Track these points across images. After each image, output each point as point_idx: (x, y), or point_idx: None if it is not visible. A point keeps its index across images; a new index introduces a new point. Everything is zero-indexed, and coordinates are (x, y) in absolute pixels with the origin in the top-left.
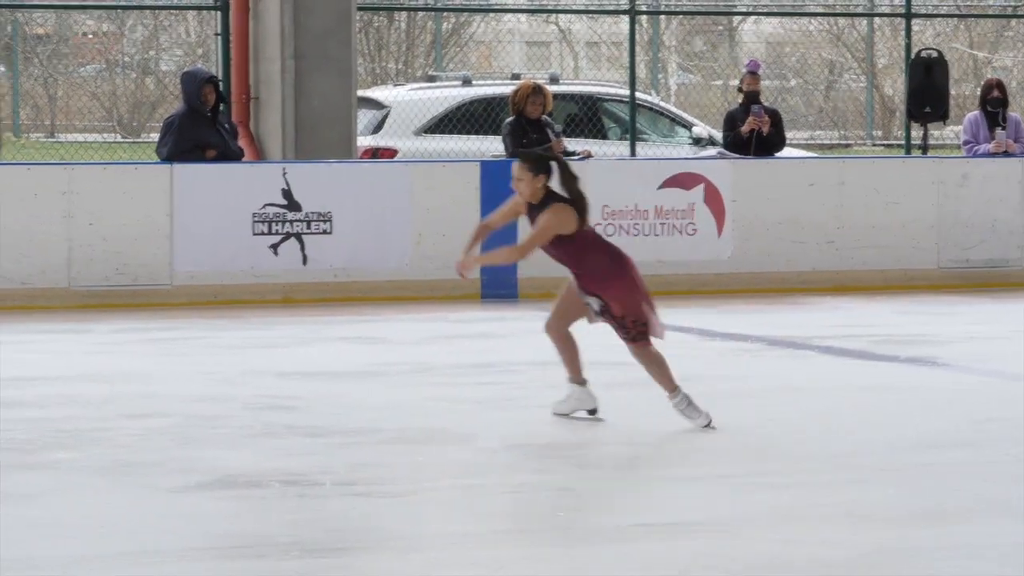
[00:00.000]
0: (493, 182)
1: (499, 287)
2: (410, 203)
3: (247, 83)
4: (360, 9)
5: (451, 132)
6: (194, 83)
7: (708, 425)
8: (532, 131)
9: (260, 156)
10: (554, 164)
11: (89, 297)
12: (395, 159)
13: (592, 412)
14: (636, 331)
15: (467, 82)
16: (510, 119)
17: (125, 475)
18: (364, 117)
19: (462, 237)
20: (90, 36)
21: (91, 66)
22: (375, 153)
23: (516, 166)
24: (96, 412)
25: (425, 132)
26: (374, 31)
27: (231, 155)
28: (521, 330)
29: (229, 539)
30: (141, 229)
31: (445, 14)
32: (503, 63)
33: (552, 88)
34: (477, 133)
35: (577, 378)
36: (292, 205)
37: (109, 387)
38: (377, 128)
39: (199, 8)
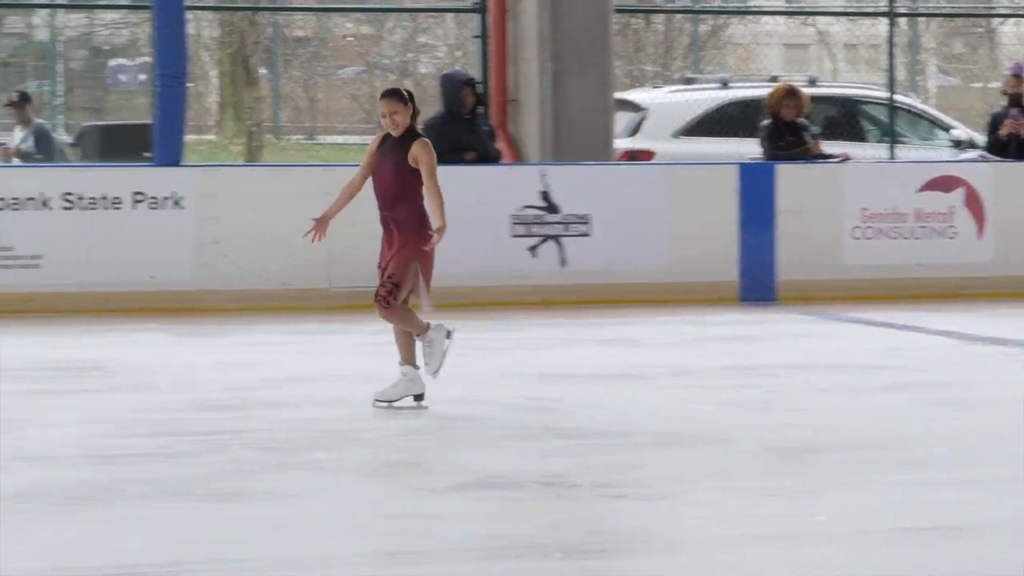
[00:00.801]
0: (751, 185)
1: (758, 289)
2: (667, 206)
3: (505, 85)
4: (618, 11)
5: (709, 135)
6: (453, 85)
7: (435, 374)
8: (788, 133)
9: (518, 158)
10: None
11: (348, 298)
12: (652, 161)
13: (419, 398)
14: (385, 293)
15: (725, 84)
16: (766, 122)
17: (385, 475)
18: (622, 119)
19: (719, 240)
20: (349, 38)
21: (350, 68)
22: (633, 155)
23: (387, 103)
24: (356, 412)
25: (683, 135)
26: (632, 33)
27: (489, 157)
28: (780, 333)
29: (488, 540)
30: None
31: (703, 16)
32: (761, 65)
33: (810, 90)
34: (735, 135)
35: (411, 359)
36: (550, 207)
37: (369, 388)
38: (635, 130)
39: (458, 11)
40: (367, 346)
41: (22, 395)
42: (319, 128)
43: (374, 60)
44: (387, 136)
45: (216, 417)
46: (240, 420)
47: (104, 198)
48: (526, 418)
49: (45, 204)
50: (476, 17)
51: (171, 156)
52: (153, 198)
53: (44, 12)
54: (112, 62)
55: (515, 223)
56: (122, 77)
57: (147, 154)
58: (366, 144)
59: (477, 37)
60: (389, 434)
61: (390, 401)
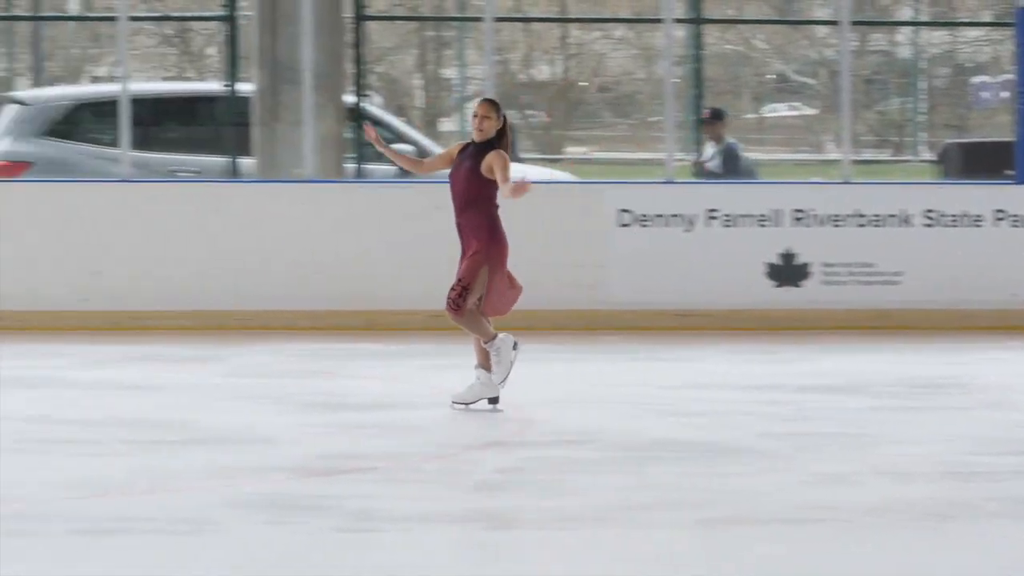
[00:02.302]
0: None
1: None
2: None
3: None
4: None
5: None
6: None
7: (501, 383)
8: None
9: None
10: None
11: None
12: None
13: (493, 401)
14: (455, 296)
15: None
16: None
17: None
18: None
19: None
20: None
21: None
22: None
23: (483, 107)
24: None
25: None
26: None
27: None
28: None
29: None
30: None
31: None
32: None
33: None
34: None
35: (486, 364)
36: None
37: None
38: None
39: None
40: None
41: (879, 411)
42: None
43: None
44: (467, 145)
45: None
46: None
47: (965, 215)
48: None
49: (906, 221)
50: None
51: None
52: (1015, 216)
53: (908, 29)
54: (974, 79)
55: None
56: (984, 94)
57: (1009, 172)
58: None
59: None
60: None
61: (467, 403)
